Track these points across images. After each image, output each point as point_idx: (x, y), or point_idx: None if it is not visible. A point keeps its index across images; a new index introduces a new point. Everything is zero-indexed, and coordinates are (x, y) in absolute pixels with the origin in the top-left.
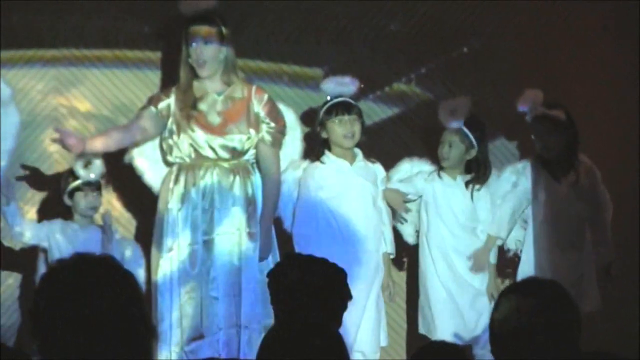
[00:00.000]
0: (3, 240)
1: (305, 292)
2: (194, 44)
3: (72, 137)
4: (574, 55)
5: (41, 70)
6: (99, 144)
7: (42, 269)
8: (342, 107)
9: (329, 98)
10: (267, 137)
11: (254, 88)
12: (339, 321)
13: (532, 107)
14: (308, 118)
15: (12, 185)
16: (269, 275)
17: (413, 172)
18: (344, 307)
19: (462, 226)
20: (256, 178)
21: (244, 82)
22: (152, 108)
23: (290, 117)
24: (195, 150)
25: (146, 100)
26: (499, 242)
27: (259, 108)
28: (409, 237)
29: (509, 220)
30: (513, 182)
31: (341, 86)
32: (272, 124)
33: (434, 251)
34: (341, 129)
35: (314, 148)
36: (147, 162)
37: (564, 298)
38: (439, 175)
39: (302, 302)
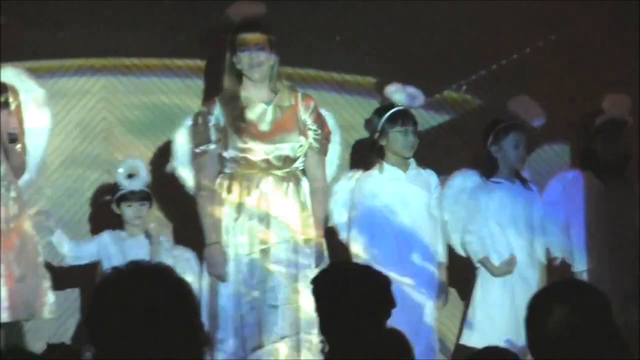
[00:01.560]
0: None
1: (348, 300)
2: (245, 51)
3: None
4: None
5: (90, 79)
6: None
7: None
8: (406, 118)
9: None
10: (315, 144)
11: (300, 95)
12: (382, 328)
13: (619, 112)
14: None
15: (52, 214)
16: (313, 282)
17: (466, 186)
18: (387, 315)
19: (520, 233)
20: (306, 185)
21: (290, 90)
22: (212, 146)
23: (331, 122)
24: (248, 160)
25: (195, 133)
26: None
27: (305, 115)
28: (460, 250)
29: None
30: (559, 191)
31: (411, 97)
32: (319, 131)
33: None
34: (405, 139)
35: (366, 155)
36: (190, 171)
37: (606, 307)
38: (497, 182)
39: (345, 309)
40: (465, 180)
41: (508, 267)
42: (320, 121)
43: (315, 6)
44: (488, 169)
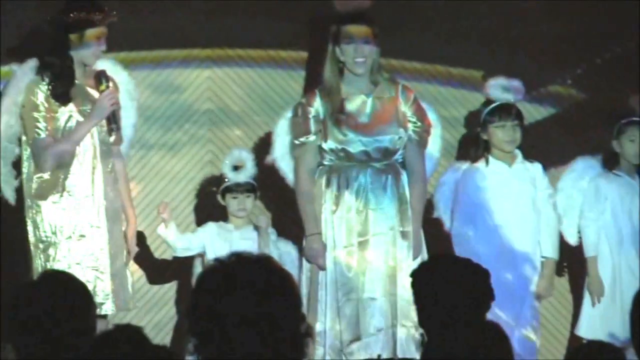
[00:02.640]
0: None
1: (448, 293)
2: (350, 44)
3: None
4: None
5: (195, 70)
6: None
7: (198, 270)
8: (505, 112)
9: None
10: (414, 137)
11: (400, 87)
12: (481, 321)
13: None
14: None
15: (167, 205)
16: (412, 275)
17: (586, 173)
18: (486, 308)
19: (634, 227)
20: (405, 177)
21: (390, 81)
22: (311, 138)
23: (432, 115)
24: (347, 152)
25: (295, 125)
26: None
27: (406, 107)
28: (571, 237)
29: None
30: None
31: (508, 92)
32: (419, 123)
33: (614, 253)
34: (503, 134)
35: (471, 149)
36: (290, 163)
37: None
38: (618, 175)
39: (445, 302)
40: (586, 166)
41: (600, 289)
42: (420, 113)
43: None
44: (610, 161)
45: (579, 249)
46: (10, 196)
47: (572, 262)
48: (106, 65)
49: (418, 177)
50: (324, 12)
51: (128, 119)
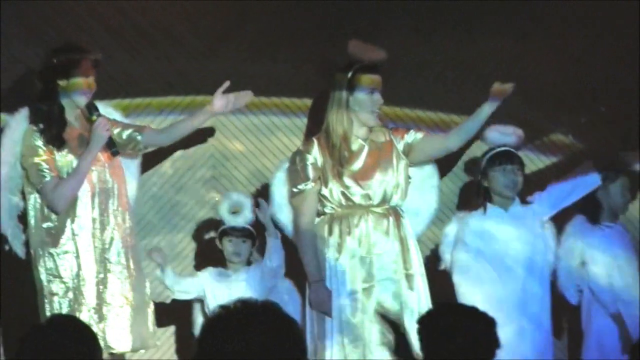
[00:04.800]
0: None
1: (455, 340)
2: (368, 93)
3: None
4: None
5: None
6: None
7: (199, 318)
8: (505, 157)
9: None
10: (418, 135)
11: (390, 131)
12: None
13: None
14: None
15: (160, 250)
16: (419, 322)
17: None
18: (492, 356)
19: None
20: (405, 220)
21: (380, 127)
22: (310, 185)
23: (429, 167)
24: (348, 198)
25: (293, 173)
26: None
27: (399, 140)
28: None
29: None
30: None
31: (505, 136)
32: (415, 132)
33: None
34: (504, 178)
35: (472, 197)
36: (287, 214)
37: None
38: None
39: (451, 350)
40: (575, 227)
41: None
42: (409, 131)
43: (416, 43)
44: (594, 212)
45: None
46: (20, 250)
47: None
48: (106, 112)
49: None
50: (328, 59)
51: (131, 174)
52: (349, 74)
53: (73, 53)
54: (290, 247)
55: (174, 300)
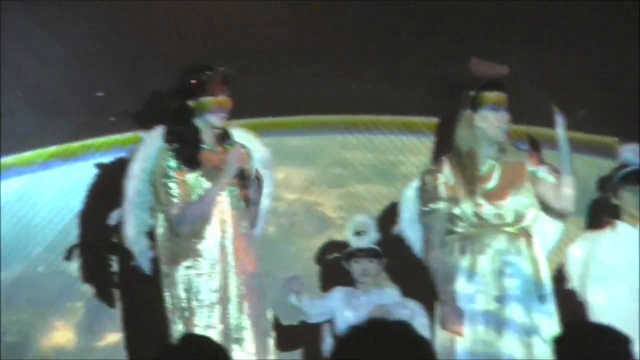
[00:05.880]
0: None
1: (591, 358)
2: (492, 110)
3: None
4: None
5: (326, 136)
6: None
7: (327, 339)
8: (638, 177)
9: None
10: (546, 177)
11: (525, 154)
12: None
13: None
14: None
15: (299, 278)
16: (555, 341)
17: None
18: None
19: None
20: (536, 240)
21: (515, 147)
22: (441, 204)
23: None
24: (480, 218)
25: (424, 192)
26: None
27: (532, 167)
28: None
29: None
30: None
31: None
32: (548, 168)
33: None
34: (635, 199)
35: (602, 214)
36: (416, 233)
37: None
38: None
39: None
40: None
41: None
42: (545, 163)
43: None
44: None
45: None
46: (146, 267)
47: None
48: (236, 133)
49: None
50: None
51: (264, 188)
52: (473, 92)
53: (197, 73)
54: (419, 266)
55: (301, 323)
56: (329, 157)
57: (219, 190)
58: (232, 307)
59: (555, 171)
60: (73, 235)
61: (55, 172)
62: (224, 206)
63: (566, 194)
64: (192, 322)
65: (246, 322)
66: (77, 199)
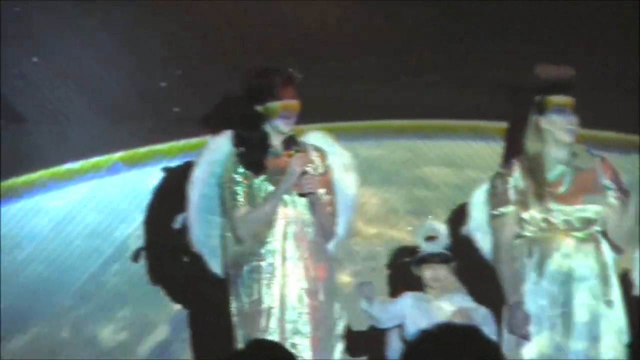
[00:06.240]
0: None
1: None
2: (559, 113)
3: None
4: None
5: (395, 142)
6: None
7: (394, 343)
8: None
9: None
10: (614, 202)
11: (599, 159)
12: None
13: None
14: None
15: (371, 283)
16: (630, 345)
17: None
18: None
19: None
20: (605, 245)
21: (588, 153)
22: (511, 208)
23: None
24: (549, 222)
25: (493, 195)
26: None
27: (605, 178)
28: None
29: None
30: None
31: None
32: (618, 190)
33: None
34: None
35: None
36: (485, 235)
37: None
38: None
39: None
40: None
41: None
42: (618, 180)
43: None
44: None
45: None
46: (218, 270)
47: None
48: (314, 137)
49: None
50: (520, 82)
51: (346, 190)
52: (539, 97)
53: (263, 77)
54: (487, 270)
55: (371, 329)
56: (408, 173)
57: (280, 195)
58: (291, 313)
59: (624, 193)
60: (141, 238)
61: (122, 177)
62: (288, 211)
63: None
64: (254, 326)
65: (304, 328)
66: (144, 204)
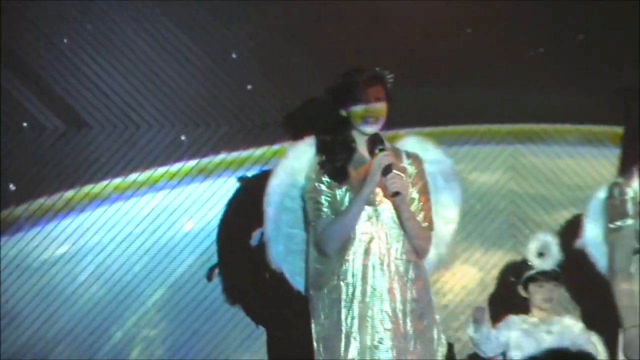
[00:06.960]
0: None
1: None
2: None
3: None
4: None
5: (496, 147)
6: None
7: None
8: None
9: None
10: None
11: None
12: None
13: None
14: None
15: (483, 309)
16: None
17: None
18: None
19: None
20: None
21: None
22: (629, 222)
23: None
24: None
25: (610, 207)
26: None
27: None
28: None
29: None
30: None
31: None
32: None
33: None
34: None
35: None
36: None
37: None
38: None
39: None
40: None
41: None
42: None
43: None
44: None
45: None
46: (302, 286)
47: None
48: (411, 142)
49: None
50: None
51: (448, 199)
52: None
53: (348, 79)
54: (601, 290)
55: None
56: (500, 170)
57: (365, 197)
58: (370, 338)
59: None
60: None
61: (196, 187)
62: (370, 226)
63: None
64: (334, 352)
65: (385, 355)
66: (219, 216)
